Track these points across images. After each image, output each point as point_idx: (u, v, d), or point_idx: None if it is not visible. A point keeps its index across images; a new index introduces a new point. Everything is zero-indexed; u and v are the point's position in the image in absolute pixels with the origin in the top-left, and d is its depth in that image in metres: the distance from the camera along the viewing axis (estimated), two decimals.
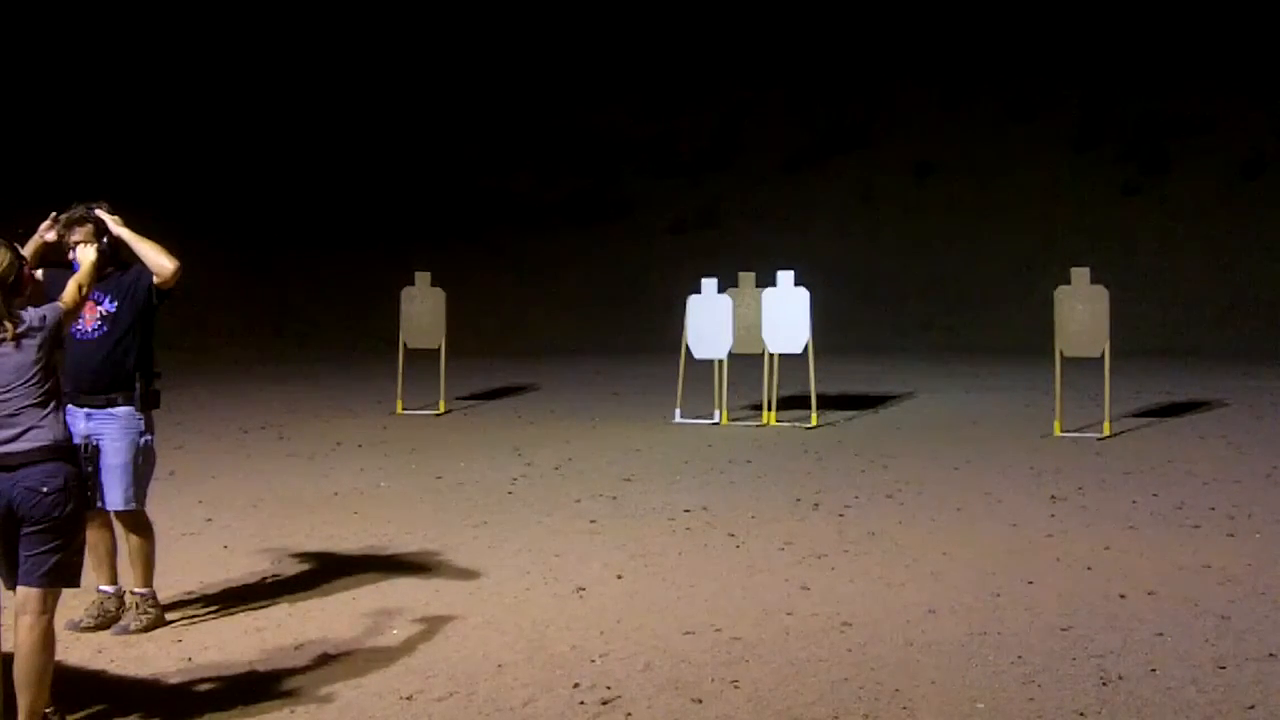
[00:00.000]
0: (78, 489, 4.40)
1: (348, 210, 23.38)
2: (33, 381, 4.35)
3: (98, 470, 4.86)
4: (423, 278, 13.25)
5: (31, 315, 4.43)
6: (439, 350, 13.01)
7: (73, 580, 4.46)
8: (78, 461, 4.44)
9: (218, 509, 8.30)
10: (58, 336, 4.51)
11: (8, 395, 4.31)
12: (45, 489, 4.29)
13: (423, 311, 13.16)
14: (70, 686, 4.69)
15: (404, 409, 12.84)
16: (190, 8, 24.27)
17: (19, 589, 4.33)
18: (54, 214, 5.37)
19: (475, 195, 24.14)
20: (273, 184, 23.40)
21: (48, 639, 4.31)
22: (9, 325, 4.33)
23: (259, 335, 19.75)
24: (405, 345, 13.17)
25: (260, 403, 13.64)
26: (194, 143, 23.13)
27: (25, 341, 4.36)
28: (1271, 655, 5.25)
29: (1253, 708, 4.71)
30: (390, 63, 25.80)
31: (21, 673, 4.26)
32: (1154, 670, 5.09)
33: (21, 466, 4.28)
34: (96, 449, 4.75)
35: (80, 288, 4.74)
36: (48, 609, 4.33)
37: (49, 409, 4.38)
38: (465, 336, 15.36)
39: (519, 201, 23.99)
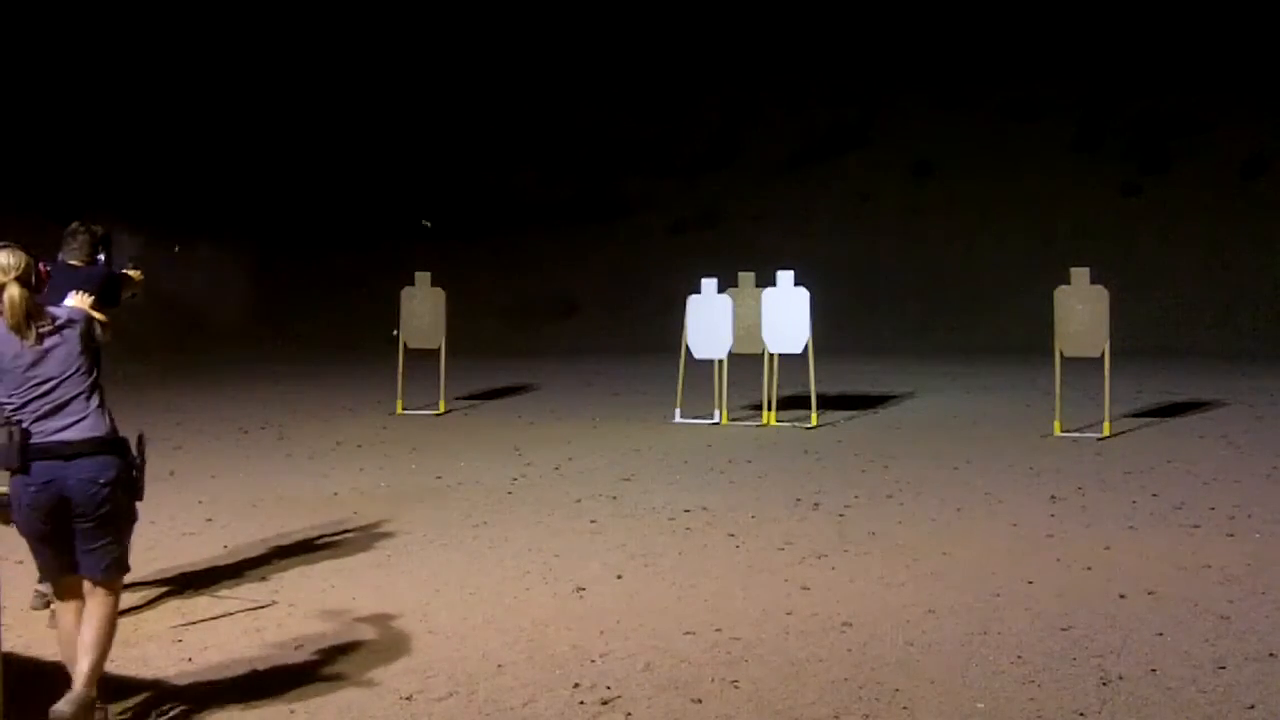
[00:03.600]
0: (129, 481, 4.56)
1: (348, 210, 23.38)
2: (81, 371, 4.52)
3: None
4: (423, 278, 13.26)
5: (61, 311, 4.63)
6: (439, 350, 13.02)
7: (127, 567, 4.67)
8: (128, 453, 4.58)
9: (218, 509, 8.31)
10: (92, 333, 4.66)
11: (58, 385, 4.46)
12: (101, 480, 4.43)
13: (423, 311, 13.17)
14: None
15: (404, 409, 12.84)
16: (190, 8, 24.26)
17: (85, 580, 4.53)
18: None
19: (476, 195, 24.14)
20: (273, 184, 23.40)
21: (116, 612, 4.60)
22: (43, 319, 4.49)
23: (259, 335, 19.75)
24: (405, 345, 13.18)
25: (260, 403, 13.65)
26: (194, 143, 23.12)
27: (66, 332, 4.53)
28: (1271, 655, 5.25)
29: (1253, 708, 4.71)
30: (391, 63, 25.80)
31: (90, 636, 4.46)
32: (1154, 670, 5.09)
33: (76, 457, 4.42)
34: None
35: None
36: (115, 590, 4.60)
37: (96, 401, 4.53)
38: (465, 336, 15.36)
39: (519, 201, 23.98)
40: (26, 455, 4.35)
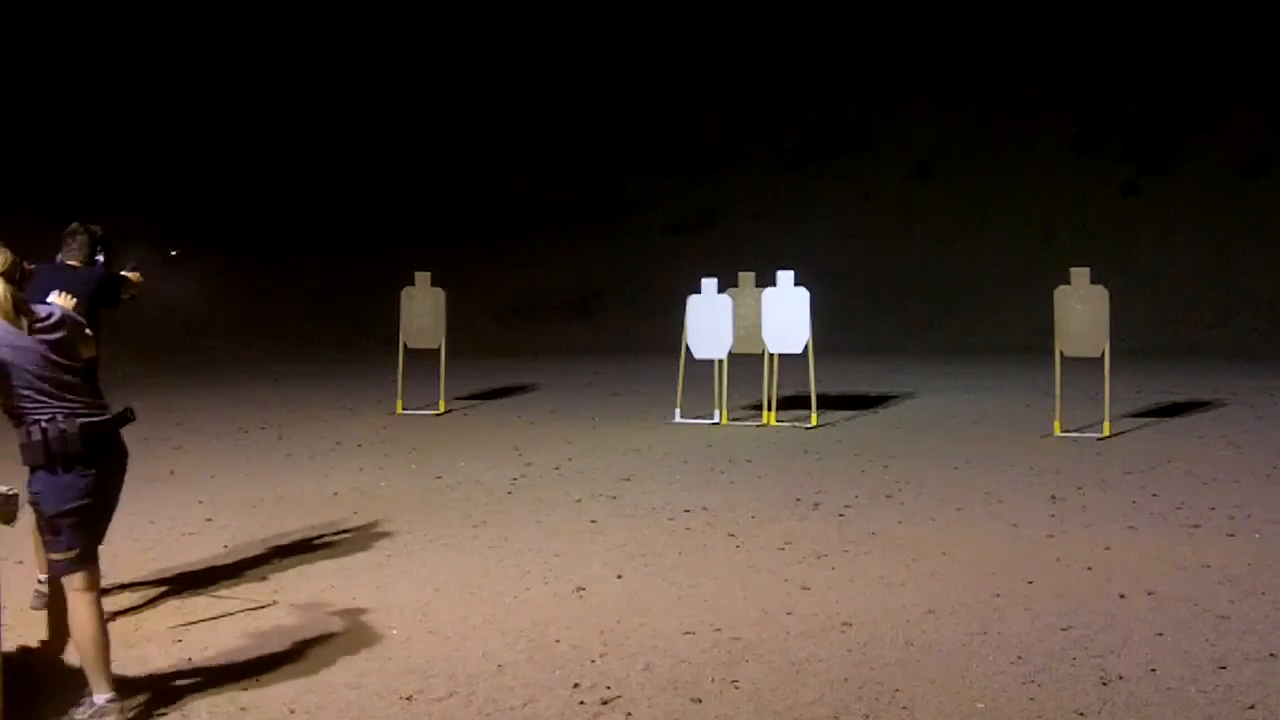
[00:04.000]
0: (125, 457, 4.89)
1: (349, 210, 23.38)
2: (82, 364, 4.69)
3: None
4: (423, 278, 13.26)
5: (53, 309, 4.71)
6: (439, 350, 13.02)
7: None
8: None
9: (218, 509, 8.30)
10: (80, 329, 4.78)
11: (75, 375, 4.61)
12: (126, 456, 4.83)
13: (423, 311, 13.17)
14: (71, 686, 4.69)
15: (404, 409, 12.84)
16: (189, 8, 24.26)
17: None
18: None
19: (475, 195, 24.14)
20: (273, 184, 23.40)
21: None
22: (32, 314, 4.57)
23: (259, 335, 19.75)
24: (405, 345, 13.18)
25: (260, 403, 13.65)
26: (194, 143, 23.13)
27: (65, 329, 4.66)
28: (1271, 655, 5.25)
29: (1253, 708, 4.71)
30: (391, 63, 25.80)
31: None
32: (1154, 670, 5.09)
33: (114, 439, 4.70)
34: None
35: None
36: None
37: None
38: (465, 336, 15.35)
39: (519, 201, 23.99)
40: (91, 443, 4.51)
